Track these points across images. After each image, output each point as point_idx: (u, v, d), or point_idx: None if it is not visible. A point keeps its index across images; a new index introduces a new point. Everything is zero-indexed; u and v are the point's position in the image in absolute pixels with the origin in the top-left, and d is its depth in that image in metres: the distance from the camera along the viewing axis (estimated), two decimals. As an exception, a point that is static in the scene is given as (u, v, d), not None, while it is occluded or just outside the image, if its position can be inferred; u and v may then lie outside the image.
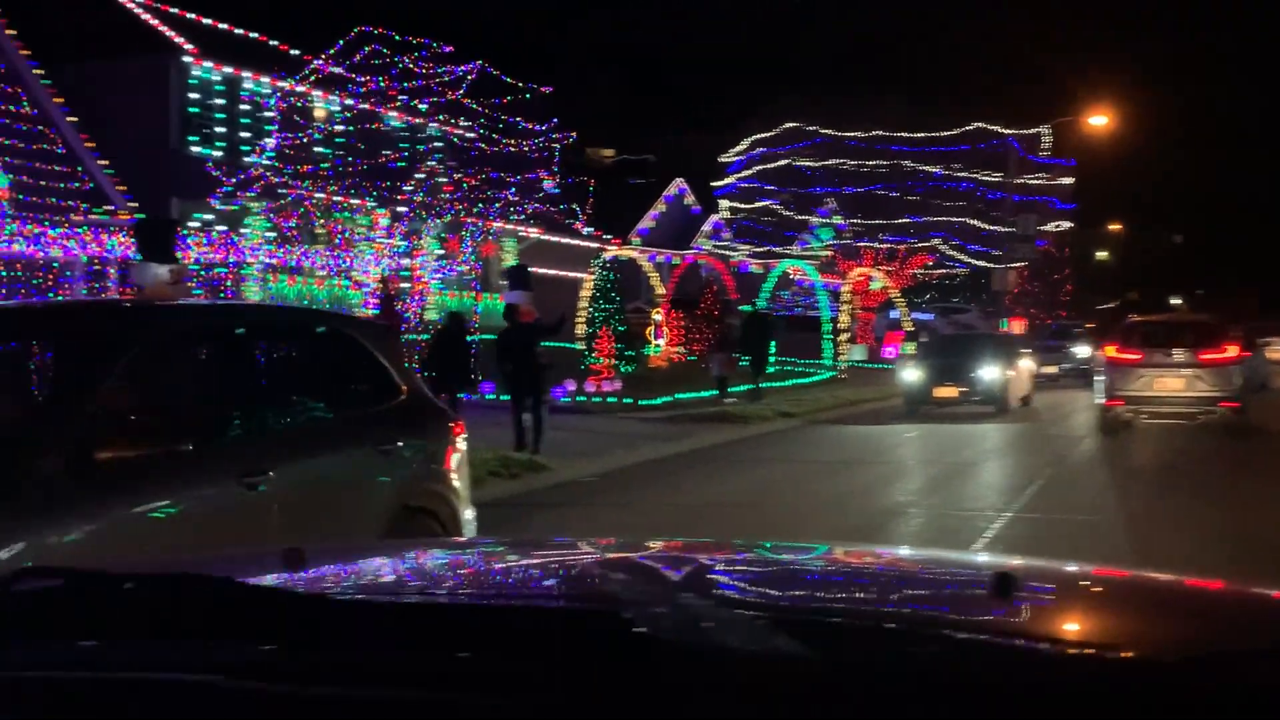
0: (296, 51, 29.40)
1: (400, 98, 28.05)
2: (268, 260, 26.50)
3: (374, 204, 26.04)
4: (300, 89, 28.34)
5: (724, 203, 55.24)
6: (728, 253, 48.29)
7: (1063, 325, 42.63)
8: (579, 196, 28.99)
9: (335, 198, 26.13)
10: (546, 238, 34.44)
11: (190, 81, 28.68)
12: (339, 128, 28.54)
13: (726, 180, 55.86)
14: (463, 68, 27.75)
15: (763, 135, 55.97)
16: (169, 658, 1.46)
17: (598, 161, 48.21)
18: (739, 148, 56.64)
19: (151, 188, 26.23)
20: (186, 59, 28.34)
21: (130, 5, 28.90)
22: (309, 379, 6.52)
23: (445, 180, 27.27)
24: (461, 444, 6.83)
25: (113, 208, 25.84)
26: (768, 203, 54.96)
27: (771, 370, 27.28)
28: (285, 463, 5.44)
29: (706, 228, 52.57)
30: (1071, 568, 2.33)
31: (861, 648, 1.51)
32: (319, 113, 29.44)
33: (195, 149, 28.45)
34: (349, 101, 28.21)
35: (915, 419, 22.74)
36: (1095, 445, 18.88)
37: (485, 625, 1.54)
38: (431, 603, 1.88)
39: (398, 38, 26.89)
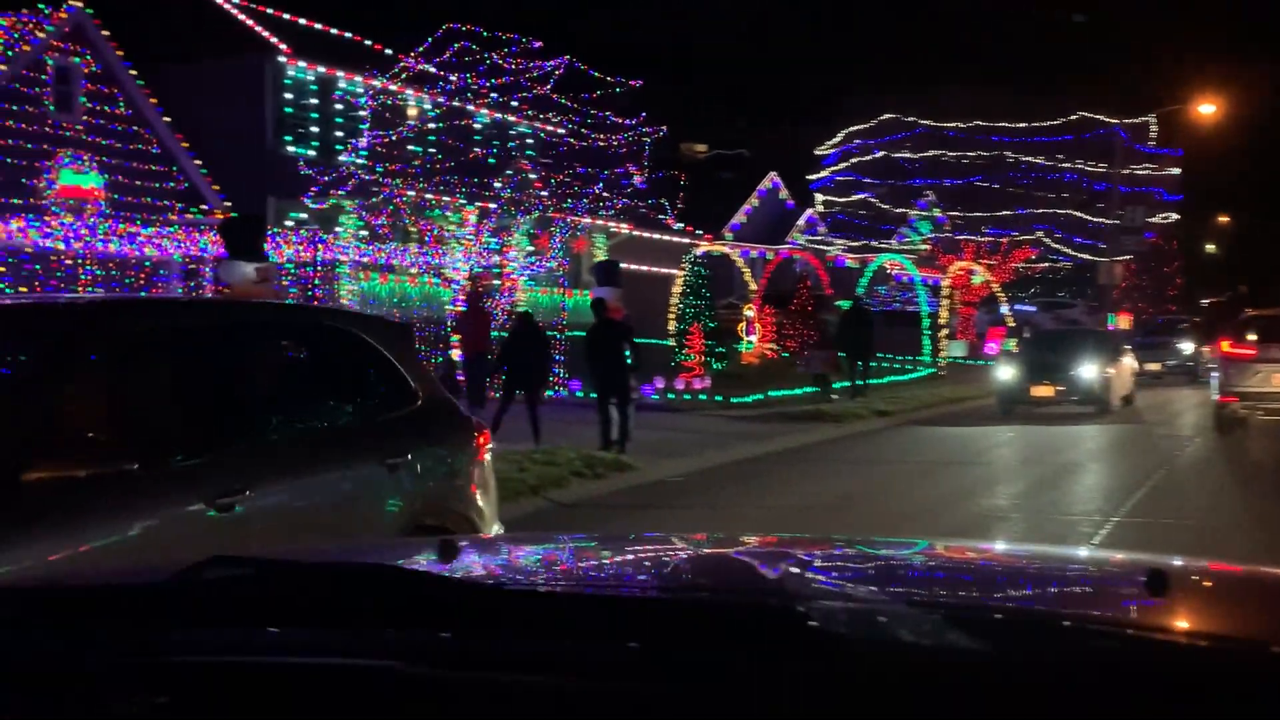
0: (389, 50, 29.51)
1: (490, 94, 27.96)
2: (359, 258, 26.57)
3: (464, 201, 25.98)
4: (391, 87, 28.41)
5: (819, 196, 54.44)
6: (823, 247, 47.56)
7: (1167, 320, 41.39)
8: (670, 192, 28.61)
9: (426, 195, 26.10)
10: (637, 233, 34.15)
11: (285, 81, 28.93)
12: (429, 125, 28.53)
13: (822, 173, 55.10)
14: (551, 63, 27.55)
15: (859, 127, 55.09)
16: (351, 644, 1.50)
17: (691, 156, 47.80)
18: (834, 140, 55.79)
19: (247, 187, 26.48)
20: (281, 59, 28.58)
21: (225, 5, 29.21)
22: (306, 384, 6.00)
23: (535, 176, 27.12)
24: (487, 455, 6.25)
25: (208, 207, 26.12)
26: (864, 196, 54.06)
27: (872, 366, 26.73)
28: (269, 480, 4.89)
29: (801, 222, 51.85)
30: (1185, 562, 2.29)
31: (1034, 644, 1.52)
32: (410, 110, 29.48)
33: (290, 148, 28.68)
34: (439, 99, 28.20)
35: (1012, 419, 21.99)
36: (1205, 446, 18.11)
37: (659, 616, 1.58)
38: (602, 594, 1.93)
39: (486, 34, 26.75)
